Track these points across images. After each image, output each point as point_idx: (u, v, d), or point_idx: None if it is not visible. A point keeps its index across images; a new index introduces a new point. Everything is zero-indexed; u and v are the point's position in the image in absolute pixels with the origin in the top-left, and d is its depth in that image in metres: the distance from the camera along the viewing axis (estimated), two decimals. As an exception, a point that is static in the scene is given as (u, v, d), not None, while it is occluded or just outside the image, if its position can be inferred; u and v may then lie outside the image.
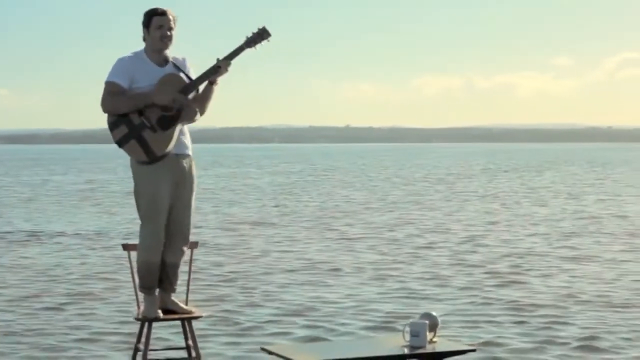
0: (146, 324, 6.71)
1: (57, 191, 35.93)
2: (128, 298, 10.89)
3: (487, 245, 16.59)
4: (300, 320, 9.99)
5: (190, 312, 6.84)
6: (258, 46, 6.70)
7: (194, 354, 6.82)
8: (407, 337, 5.71)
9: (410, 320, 5.91)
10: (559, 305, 10.72)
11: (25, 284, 12.54)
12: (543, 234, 18.48)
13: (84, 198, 31.33)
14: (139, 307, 6.86)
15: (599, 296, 11.32)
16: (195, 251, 7.07)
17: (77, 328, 9.67)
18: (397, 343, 5.78)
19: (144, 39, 6.68)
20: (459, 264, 14.19)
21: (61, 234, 19.17)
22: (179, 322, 6.97)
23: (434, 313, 5.93)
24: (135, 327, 7.37)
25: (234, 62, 6.66)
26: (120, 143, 6.56)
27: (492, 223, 21.01)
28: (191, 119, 6.69)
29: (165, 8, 6.65)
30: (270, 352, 5.78)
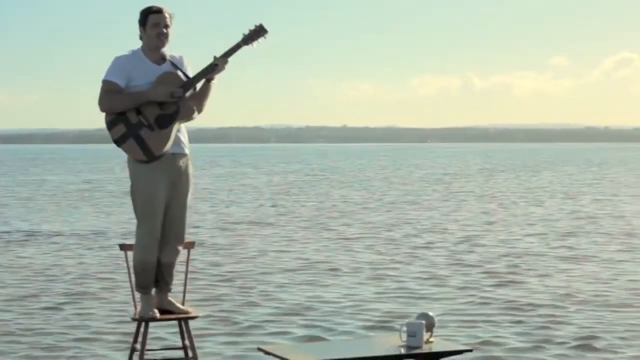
0: (143, 324, 6.72)
1: (54, 191, 35.91)
2: (125, 298, 10.89)
3: (484, 245, 16.60)
4: (298, 320, 10.00)
5: (186, 312, 6.84)
6: (255, 43, 6.70)
7: (190, 354, 6.82)
8: (404, 337, 5.72)
9: (407, 320, 5.92)
10: (557, 305, 10.73)
11: (23, 284, 12.54)
12: (540, 234, 18.50)
13: (81, 198, 31.33)
14: (135, 307, 6.86)
15: (596, 296, 11.33)
16: (193, 251, 7.07)
17: (76, 327, 9.68)
18: (394, 343, 5.78)
19: (141, 38, 6.69)
20: (456, 264, 14.20)
21: (58, 233, 19.17)
22: (176, 322, 6.97)
23: (430, 313, 5.93)
24: (132, 327, 7.38)
25: (231, 59, 6.67)
26: (118, 142, 6.56)
27: (489, 223, 21.03)
28: (189, 117, 6.69)
29: (161, 6, 6.66)
30: (267, 352, 5.77)
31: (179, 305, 6.83)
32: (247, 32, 6.67)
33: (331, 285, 12.34)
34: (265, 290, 11.93)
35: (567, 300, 11.06)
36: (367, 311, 10.46)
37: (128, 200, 7.05)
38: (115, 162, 72.55)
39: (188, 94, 6.66)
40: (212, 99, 6.76)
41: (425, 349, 5.66)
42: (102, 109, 6.59)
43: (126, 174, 6.85)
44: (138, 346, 6.73)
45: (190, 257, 7.06)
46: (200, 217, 22.53)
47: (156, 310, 6.71)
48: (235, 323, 9.86)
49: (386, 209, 25.66)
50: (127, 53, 6.67)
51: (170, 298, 6.82)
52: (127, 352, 7.15)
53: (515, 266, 13.92)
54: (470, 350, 5.94)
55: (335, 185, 39.40)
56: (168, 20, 6.66)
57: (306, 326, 9.71)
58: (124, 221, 21.63)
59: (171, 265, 6.78)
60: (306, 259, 14.87)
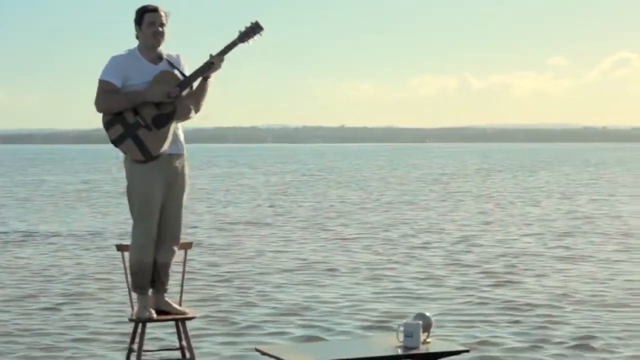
0: (140, 325, 6.72)
1: (52, 191, 35.89)
2: (123, 298, 10.88)
3: (481, 245, 16.61)
4: (295, 320, 10.00)
5: (184, 313, 6.84)
6: (251, 41, 6.70)
7: (188, 354, 6.82)
8: (401, 337, 5.73)
9: (404, 320, 5.92)
10: (554, 305, 10.74)
11: (21, 284, 12.54)
12: (537, 234, 18.51)
13: (79, 198, 31.31)
14: (132, 308, 6.86)
15: (593, 296, 11.35)
16: (190, 251, 7.08)
17: (73, 328, 9.68)
18: (391, 343, 5.79)
19: (137, 37, 6.69)
20: (453, 264, 14.21)
21: (56, 234, 19.17)
22: (173, 322, 6.98)
23: (427, 313, 5.94)
24: (130, 328, 7.38)
25: (227, 57, 6.67)
26: (116, 142, 6.56)
27: (487, 223, 21.03)
28: (186, 116, 6.69)
29: (156, 5, 6.66)
30: (263, 353, 5.77)
31: (175, 305, 6.83)
32: (243, 29, 6.68)
33: (329, 286, 12.34)
34: (262, 290, 11.93)
35: (564, 300, 11.07)
36: (364, 311, 10.47)
37: (124, 201, 7.05)
38: (112, 162, 72.49)
39: (185, 92, 6.66)
40: (208, 98, 6.75)
41: (422, 349, 5.66)
42: (99, 109, 6.59)
43: (123, 174, 6.85)
44: (135, 347, 6.74)
45: (188, 258, 7.06)
46: (197, 217, 22.52)
47: (153, 311, 6.71)
48: (233, 323, 9.86)
49: (383, 209, 25.66)
50: (123, 52, 6.68)
51: (167, 299, 6.82)
52: (125, 353, 7.15)
53: (513, 266, 13.93)
54: (468, 351, 5.94)
55: (333, 186, 39.40)
56: (164, 19, 6.66)
57: (304, 326, 9.71)
58: (120, 221, 21.61)
59: (167, 266, 6.78)
60: (304, 259, 14.87)
